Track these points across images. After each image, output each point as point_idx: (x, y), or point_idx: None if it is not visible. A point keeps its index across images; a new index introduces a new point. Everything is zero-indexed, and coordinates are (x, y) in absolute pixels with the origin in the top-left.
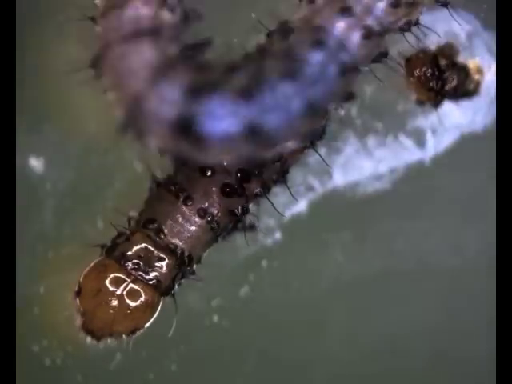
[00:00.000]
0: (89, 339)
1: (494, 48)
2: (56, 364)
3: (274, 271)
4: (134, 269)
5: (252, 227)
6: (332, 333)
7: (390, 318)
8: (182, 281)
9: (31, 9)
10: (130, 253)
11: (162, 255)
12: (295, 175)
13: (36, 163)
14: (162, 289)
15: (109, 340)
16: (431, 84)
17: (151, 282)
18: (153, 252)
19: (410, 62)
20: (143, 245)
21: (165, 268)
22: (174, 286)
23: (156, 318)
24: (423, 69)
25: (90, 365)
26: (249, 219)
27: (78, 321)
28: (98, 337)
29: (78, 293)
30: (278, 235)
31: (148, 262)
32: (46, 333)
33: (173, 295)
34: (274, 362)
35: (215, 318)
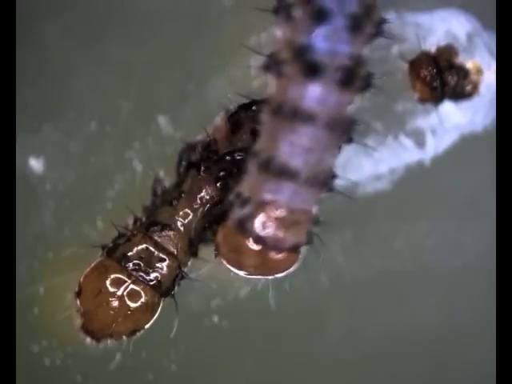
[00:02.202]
0: (89, 340)
1: (493, 48)
2: (56, 364)
3: None
4: (134, 269)
5: None
6: (332, 333)
7: (390, 318)
8: (182, 281)
9: (31, 9)
10: (131, 253)
11: (162, 256)
12: None
13: (36, 163)
14: (162, 290)
15: (109, 341)
16: (435, 84)
17: (152, 283)
18: (154, 253)
19: (415, 64)
20: (144, 245)
21: (165, 269)
22: (174, 287)
23: (156, 318)
24: (428, 69)
25: (90, 365)
26: None
27: (78, 321)
28: (98, 338)
29: (79, 293)
30: None
31: (149, 262)
32: (46, 333)
33: (173, 296)
34: (274, 362)
35: (215, 318)
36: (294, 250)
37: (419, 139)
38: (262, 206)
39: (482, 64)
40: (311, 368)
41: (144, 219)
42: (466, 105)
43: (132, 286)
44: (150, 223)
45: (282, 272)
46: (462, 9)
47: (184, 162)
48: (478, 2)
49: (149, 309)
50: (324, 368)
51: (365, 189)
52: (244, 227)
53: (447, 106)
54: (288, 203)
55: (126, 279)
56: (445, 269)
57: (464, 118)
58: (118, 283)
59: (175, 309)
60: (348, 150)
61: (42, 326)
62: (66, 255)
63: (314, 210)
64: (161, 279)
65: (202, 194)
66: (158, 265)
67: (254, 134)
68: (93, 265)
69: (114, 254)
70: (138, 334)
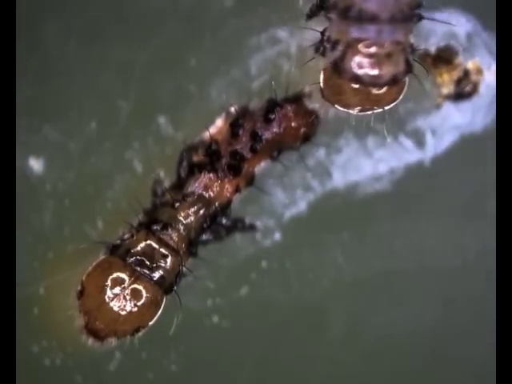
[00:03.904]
0: (92, 340)
1: (493, 48)
2: (56, 364)
3: (274, 271)
4: (138, 265)
5: (252, 227)
6: (332, 333)
7: (390, 318)
8: (182, 281)
9: (31, 9)
10: (134, 250)
11: (165, 252)
12: (295, 175)
13: (36, 163)
14: (165, 286)
15: (112, 340)
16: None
17: (155, 279)
18: (157, 249)
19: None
20: (148, 242)
21: (168, 265)
22: (177, 283)
23: (156, 318)
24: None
25: (90, 365)
26: (249, 219)
27: (81, 321)
28: (101, 337)
29: (81, 292)
30: (277, 235)
31: (152, 258)
32: (46, 333)
33: (176, 293)
34: (274, 362)
35: (215, 318)
36: (395, 81)
37: (419, 139)
38: (351, 44)
39: (482, 64)
40: (311, 368)
41: (145, 218)
42: (465, 105)
43: (136, 283)
44: (151, 221)
45: (391, 103)
46: (462, 9)
47: (185, 163)
48: (478, 1)
49: (153, 305)
50: (324, 368)
51: (365, 189)
52: (339, 68)
53: (447, 106)
54: (376, 39)
55: (130, 276)
56: (445, 269)
57: (464, 118)
58: (121, 280)
59: (176, 306)
60: (348, 150)
61: (42, 326)
62: (66, 254)
63: (408, 38)
64: (164, 275)
65: (205, 195)
66: (161, 261)
67: (254, 135)
68: (96, 262)
69: (118, 250)
70: (141, 331)
